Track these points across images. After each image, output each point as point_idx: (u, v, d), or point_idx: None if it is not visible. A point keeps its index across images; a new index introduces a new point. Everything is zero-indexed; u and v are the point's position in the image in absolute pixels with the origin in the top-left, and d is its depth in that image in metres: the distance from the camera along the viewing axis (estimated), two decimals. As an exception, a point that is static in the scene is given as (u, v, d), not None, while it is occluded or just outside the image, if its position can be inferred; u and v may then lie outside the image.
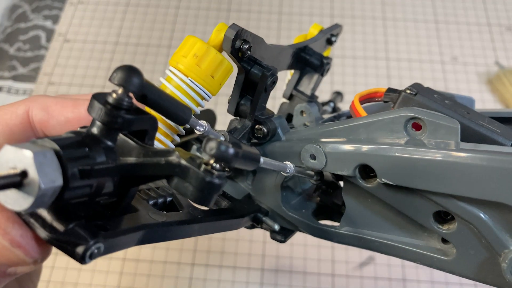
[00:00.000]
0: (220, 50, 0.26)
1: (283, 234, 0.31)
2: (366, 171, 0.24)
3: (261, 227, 0.31)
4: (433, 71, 0.69)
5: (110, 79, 0.17)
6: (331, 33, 0.37)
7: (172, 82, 0.25)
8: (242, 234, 0.56)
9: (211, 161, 0.17)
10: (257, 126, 0.29)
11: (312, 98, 0.35)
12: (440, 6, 0.76)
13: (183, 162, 0.17)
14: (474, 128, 0.23)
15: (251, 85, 0.28)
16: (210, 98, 0.27)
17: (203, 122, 0.24)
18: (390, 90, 0.27)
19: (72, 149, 0.17)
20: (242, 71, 0.28)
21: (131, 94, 0.18)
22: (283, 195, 0.29)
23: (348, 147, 0.24)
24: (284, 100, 0.37)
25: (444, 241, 0.23)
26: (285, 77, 0.38)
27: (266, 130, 0.29)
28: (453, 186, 0.20)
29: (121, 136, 0.19)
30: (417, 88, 0.25)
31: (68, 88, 0.69)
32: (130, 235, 0.19)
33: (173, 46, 0.72)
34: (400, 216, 0.24)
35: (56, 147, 0.16)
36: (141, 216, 0.21)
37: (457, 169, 0.20)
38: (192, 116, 0.22)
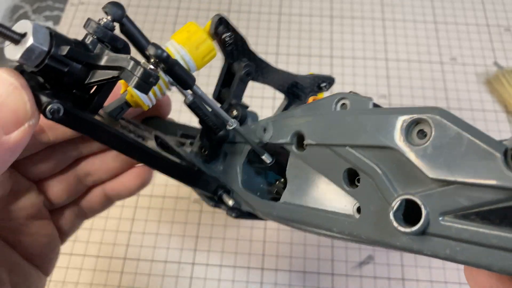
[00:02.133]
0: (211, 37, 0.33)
1: (237, 212, 0.35)
2: (301, 143, 0.29)
3: (220, 205, 0.35)
4: (432, 71, 0.69)
5: (102, 8, 0.25)
6: (323, 79, 0.41)
7: (170, 47, 0.33)
8: (242, 234, 0.56)
9: (151, 65, 0.23)
10: (231, 109, 0.34)
11: None
12: (439, 7, 0.77)
13: (131, 59, 0.23)
14: None
15: (232, 77, 0.35)
16: (194, 70, 0.32)
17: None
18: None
19: (62, 39, 0.24)
20: (226, 62, 0.35)
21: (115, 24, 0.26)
22: (245, 178, 0.34)
23: (288, 119, 0.30)
24: None
25: (359, 212, 0.26)
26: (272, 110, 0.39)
27: (237, 113, 0.34)
28: (353, 136, 0.24)
29: (102, 47, 0.26)
30: None
31: (68, 88, 0.69)
32: (87, 115, 0.26)
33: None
34: (325, 185, 0.27)
35: (52, 30, 0.23)
36: (106, 120, 0.29)
37: (357, 122, 0.24)
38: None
